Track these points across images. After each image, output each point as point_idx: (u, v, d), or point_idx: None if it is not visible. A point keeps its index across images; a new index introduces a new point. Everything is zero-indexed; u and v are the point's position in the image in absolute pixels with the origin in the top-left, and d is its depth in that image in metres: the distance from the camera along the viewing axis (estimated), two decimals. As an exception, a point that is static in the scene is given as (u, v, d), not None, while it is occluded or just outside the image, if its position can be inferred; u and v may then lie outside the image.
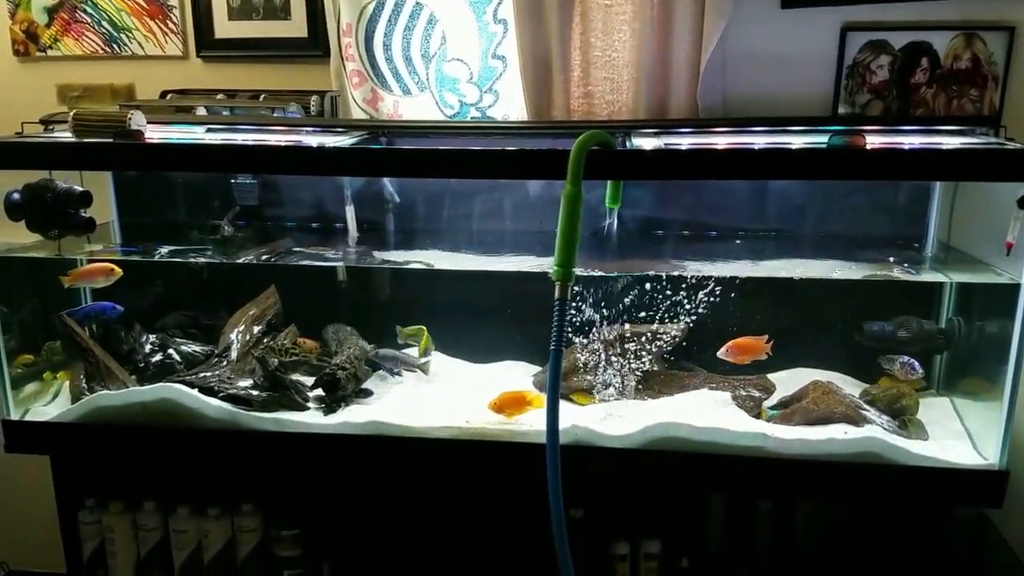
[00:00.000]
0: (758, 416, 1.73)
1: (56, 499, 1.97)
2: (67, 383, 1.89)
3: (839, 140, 1.47)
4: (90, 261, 1.88)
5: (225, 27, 2.11)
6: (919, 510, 1.75)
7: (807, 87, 1.93)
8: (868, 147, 1.46)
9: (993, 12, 1.84)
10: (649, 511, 1.82)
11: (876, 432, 1.60)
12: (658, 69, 1.90)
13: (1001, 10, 1.84)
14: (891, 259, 1.76)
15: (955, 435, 1.69)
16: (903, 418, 1.71)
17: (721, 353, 1.73)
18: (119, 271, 1.84)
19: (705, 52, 1.84)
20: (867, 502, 1.76)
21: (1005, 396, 1.52)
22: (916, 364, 1.75)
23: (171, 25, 2.14)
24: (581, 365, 1.81)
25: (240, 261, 1.92)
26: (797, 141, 1.62)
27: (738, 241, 1.93)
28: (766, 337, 1.74)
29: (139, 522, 1.94)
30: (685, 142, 1.67)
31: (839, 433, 1.60)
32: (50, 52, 2.20)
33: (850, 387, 1.80)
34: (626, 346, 1.80)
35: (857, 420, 1.64)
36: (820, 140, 1.50)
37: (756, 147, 1.58)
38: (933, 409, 1.78)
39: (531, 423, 1.69)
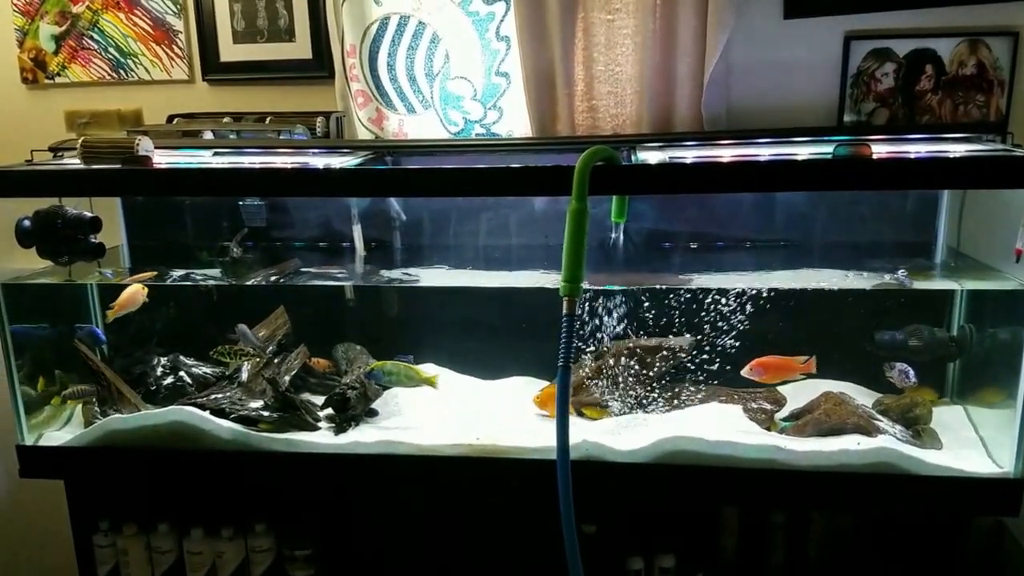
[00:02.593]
0: (770, 428, 1.72)
1: (71, 523, 1.98)
2: (80, 407, 1.90)
3: (845, 150, 1.46)
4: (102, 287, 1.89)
5: (230, 50, 2.13)
6: (934, 520, 1.74)
7: (812, 96, 1.92)
8: (874, 156, 1.46)
9: (997, 18, 1.84)
10: (663, 526, 1.81)
11: (889, 442, 1.59)
12: (661, 82, 1.90)
13: (1005, 16, 1.83)
14: (886, 271, 1.74)
15: (969, 444, 1.67)
16: (916, 427, 1.69)
17: (745, 372, 1.72)
18: (145, 288, 1.86)
19: (708, 64, 1.84)
20: (882, 513, 1.74)
21: (1019, 403, 1.51)
22: (910, 372, 1.74)
23: (177, 50, 2.16)
24: (590, 380, 1.81)
25: (249, 282, 1.93)
26: (802, 152, 1.62)
27: (746, 252, 1.93)
28: (803, 358, 1.72)
29: (153, 544, 1.95)
30: (690, 155, 1.67)
31: (852, 444, 1.59)
32: (58, 79, 2.22)
33: (863, 397, 1.79)
34: (635, 360, 1.79)
35: (870, 430, 1.63)
36: (825, 150, 1.50)
37: (761, 159, 1.58)
38: (946, 418, 1.76)
39: (542, 439, 1.69)
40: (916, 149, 1.66)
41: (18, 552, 2.52)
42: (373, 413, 1.85)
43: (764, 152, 1.65)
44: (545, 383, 1.92)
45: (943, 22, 1.86)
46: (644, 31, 1.87)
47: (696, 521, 1.81)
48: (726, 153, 1.68)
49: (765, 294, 1.74)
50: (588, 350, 1.83)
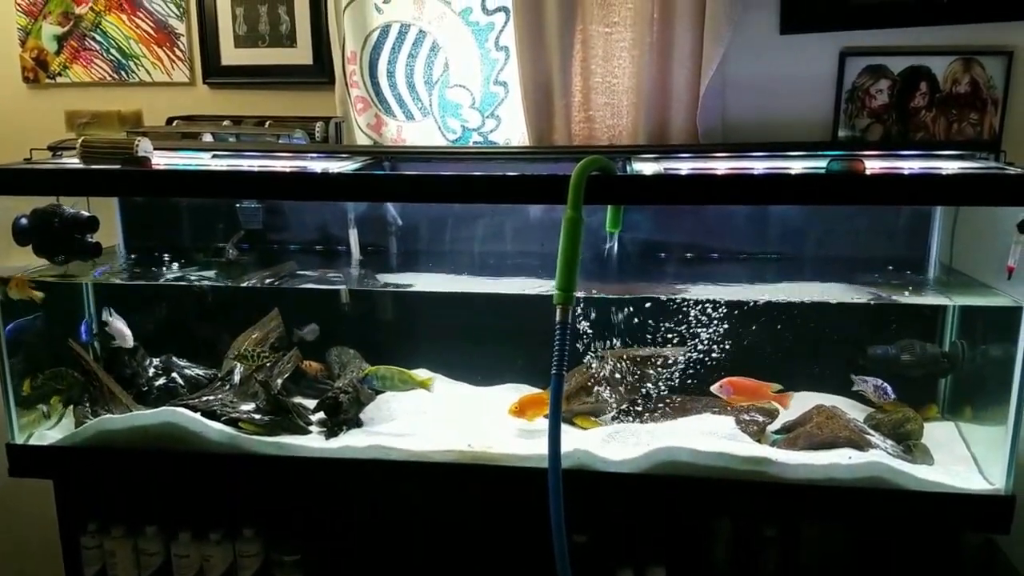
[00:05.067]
0: (761, 440, 1.72)
1: (59, 524, 1.96)
2: (72, 406, 1.89)
3: (838, 165, 1.47)
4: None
5: (232, 54, 2.14)
6: (925, 536, 1.74)
7: (807, 111, 1.94)
8: (867, 172, 1.47)
9: (991, 37, 1.86)
10: (653, 537, 1.81)
11: (881, 457, 1.59)
12: (658, 94, 1.91)
13: (999, 35, 1.85)
14: (878, 285, 1.75)
15: (960, 460, 1.67)
16: (908, 443, 1.70)
17: (715, 388, 1.73)
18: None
19: (704, 77, 1.86)
20: (873, 527, 1.74)
21: (1010, 420, 1.51)
22: (888, 388, 1.75)
23: (178, 52, 2.17)
24: (582, 388, 1.81)
25: (244, 284, 1.93)
26: (797, 166, 1.63)
27: (739, 264, 1.93)
28: (777, 387, 1.73)
29: (141, 547, 1.94)
30: (685, 167, 1.68)
31: (843, 458, 1.59)
32: (59, 79, 2.23)
33: (854, 411, 1.79)
34: (627, 370, 1.79)
35: (861, 445, 1.63)
36: (819, 165, 1.51)
37: (755, 172, 1.59)
38: (938, 433, 1.76)
39: (534, 447, 1.68)
40: (909, 165, 1.67)
41: (4, 553, 2.51)
42: (360, 423, 1.84)
43: (758, 165, 1.66)
44: (538, 390, 1.92)
45: (938, 40, 1.87)
46: (641, 44, 1.88)
47: (687, 533, 1.81)
48: (721, 166, 1.69)
49: (758, 306, 1.74)
50: (582, 359, 1.83)
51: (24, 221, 1.75)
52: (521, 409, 1.77)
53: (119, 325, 1.89)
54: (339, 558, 1.93)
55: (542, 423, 1.73)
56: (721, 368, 1.77)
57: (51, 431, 1.86)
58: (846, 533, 1.78)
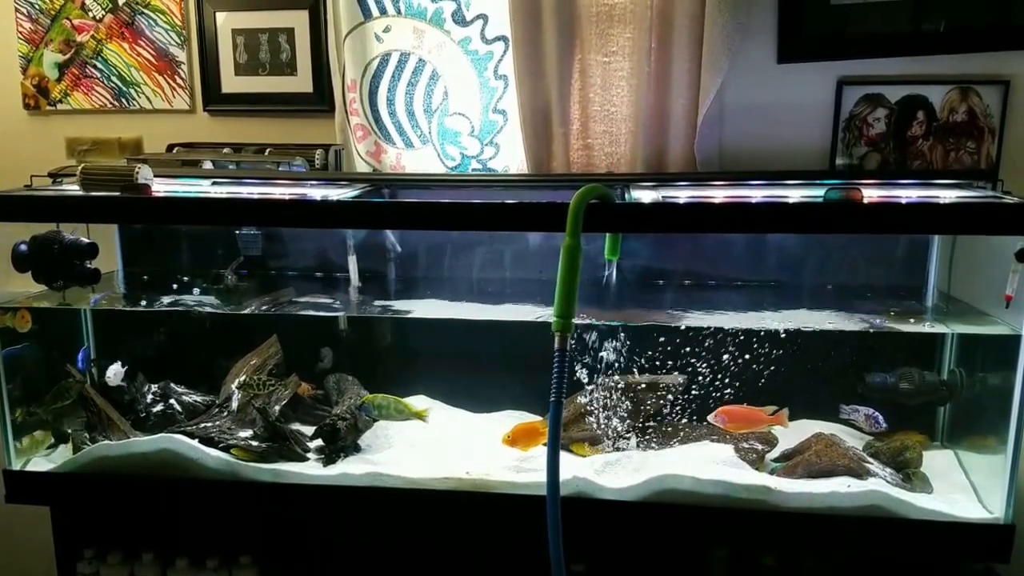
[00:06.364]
0: (759, 468, 1.71)
1: (55, 550, 1.95)
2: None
3: (836, 194, 1.48)
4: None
5: (232, 82, 2.16)
6: (925, 564, 1.73)
7: (804, 140, 1.95)
8: (865, 200, 1.47)
9: (988, 66, 1.87)
10: (652, 565, 1.80)
11: (880, 485, 1.59)
12: (656, 123, 1.93)
13: (996, 65, 1.87)
14: (876, 314, 1.75)
15: (960, 488, 1.67)
16: (907, 471, 1.69)
17: (711, 418, 1.72)
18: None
19: (702, 106, 1.87)
20: (872, 556, 1.73)
21: (1008, 448, 1.51)
22: (880, 417, 1.75)
23: (179, 80, 2.19)
24: (581, 416, 1.80)
25: (243, 311, 1.93)
26: (794, 194, 1.64)
27: (737, 292, 1.94)
28: (772, 409, 1.73)
29: (137, 574, 1.93)
30: (683, 195, 1.69)
31: (843, 486, 1.59)
32: (60, 106, 2.25)
33: (853, 439, 1.79)
34: (626, 397, 1.79)
35: (860, 473, 1.63)
36: (817, 193, 1.52)
37: (753, 200, 1.59)
38: (937, 462, 1.76)
39: (532, 475, 1.68)
40: (907, 194, 1.68)
41: (0, 579, 2.49)
42: (358, 449, 1.84)
43: (756, 194, 1.67)
44: (534, 418, 1.92)
45: (935, 69, 1.89)
46: (639, 73, 1.90)
47: (686, 561, 1.79)
48: (719, 194, 1.70)
49: (756, 334, 1.74)
50: (578, 386, 1.83)
51: (23, 247, 1.75)
52: (514, 439, 1.76)
53: (112, 366, 1.90)
54: (336, 586, 1.91)
55: (540, 451, 1.73)
56: (719, 396, 1.76)
57: (47, 458, 1.85)
58: (845, 561, 1.77)
